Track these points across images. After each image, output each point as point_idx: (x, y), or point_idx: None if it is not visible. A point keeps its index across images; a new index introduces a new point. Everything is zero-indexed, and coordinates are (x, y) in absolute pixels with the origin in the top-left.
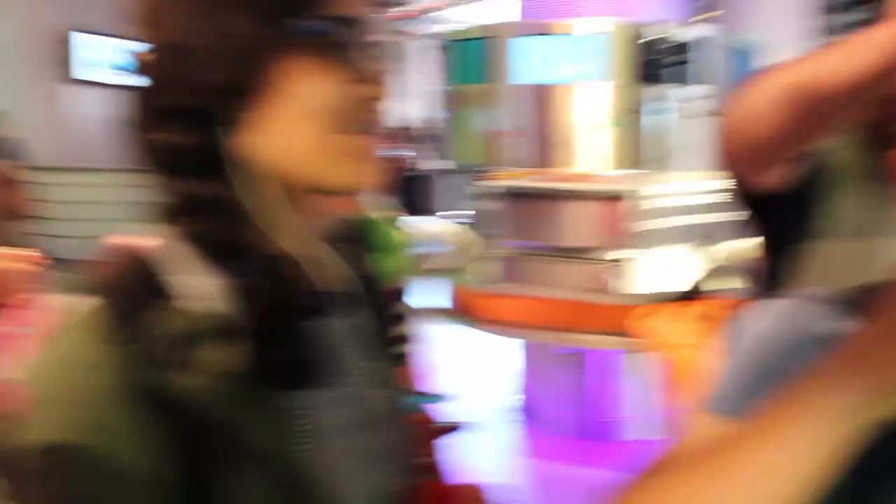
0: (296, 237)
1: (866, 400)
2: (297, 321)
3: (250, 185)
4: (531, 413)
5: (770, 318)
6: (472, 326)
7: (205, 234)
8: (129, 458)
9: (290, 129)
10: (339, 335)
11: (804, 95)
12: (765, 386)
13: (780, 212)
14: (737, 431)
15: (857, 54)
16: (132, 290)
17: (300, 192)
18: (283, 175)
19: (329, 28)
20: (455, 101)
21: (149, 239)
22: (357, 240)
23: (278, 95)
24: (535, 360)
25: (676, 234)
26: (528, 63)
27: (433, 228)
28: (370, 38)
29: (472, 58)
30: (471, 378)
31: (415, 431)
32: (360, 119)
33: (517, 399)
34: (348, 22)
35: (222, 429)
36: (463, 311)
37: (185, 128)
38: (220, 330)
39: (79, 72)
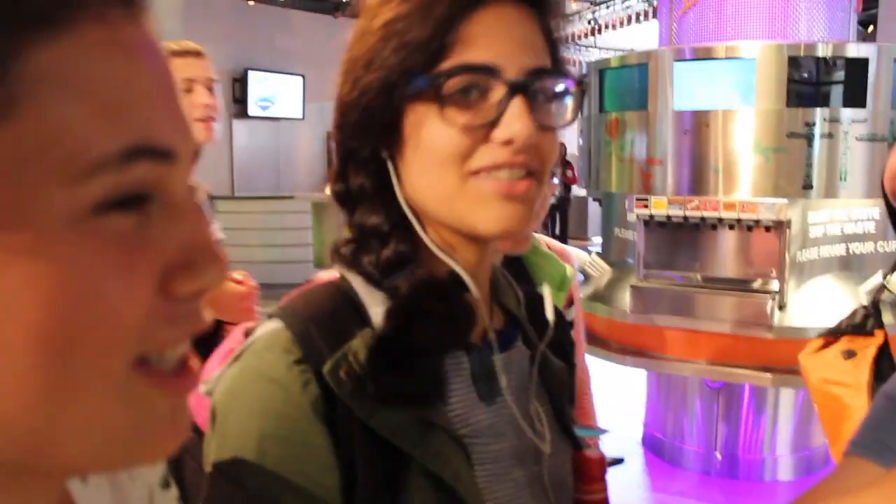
0: (461, 269)
1: None
2: (448, 345)
3: (415, 222)
4: (662, 447)
5: None
6: (603, 356)
7: (373, 263)
8: (306, 470)
9: (425, 174)
10: (500, 364)
11: None
12: None
13: None
14: (884, 478)
15: None
16: (321, 314)
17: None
18: (430, 215)
19: (447, 78)
20: (606, 128)
21: (337, 271)
22: (527, 273)
23: (413, 142)
24: (670, 392)
25: (837, 264)
26: (687, 88)
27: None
28: (507, 79)
29: (627, 84)
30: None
31: (585, 466)
32: (497, 164)
33: (648, 432)
34: (474, 69)
35: (388, 447)
36: (594, 341)
37: (356, 170)
38: (387, 351)
39: (252, 108)
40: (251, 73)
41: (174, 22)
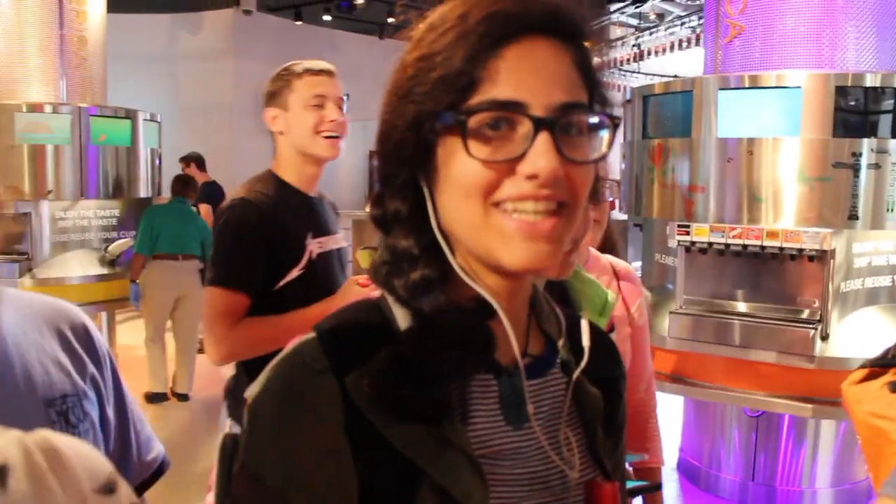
0: (489, 295)
1: None
2: (463, 370)
3: (446, 247)
4: (699, 474)
5: None
6: None
7: (403, 284)
8: (322, 475)
9: (454, 205)
10: (532, 390)
11: None
12: None
13: None
14: None
15: None
16: (353, 328)
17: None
18: (460, 243)
19: (473, 113)
20: (649, 153)
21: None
22: (569, 298)
23: (444, 173)
24: (708, 420)
25: (882, 296)
26: (731, 116)
27: None
28: (533, 115)
29: (670, 110)
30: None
31: (596, 495)
32: (522, 196)
33: (684, 458)
34: (500, 106)
35: (402, 459)
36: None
37: (392, 195)
38: (403, 370)
39: None
40: None
41: (225, 40)
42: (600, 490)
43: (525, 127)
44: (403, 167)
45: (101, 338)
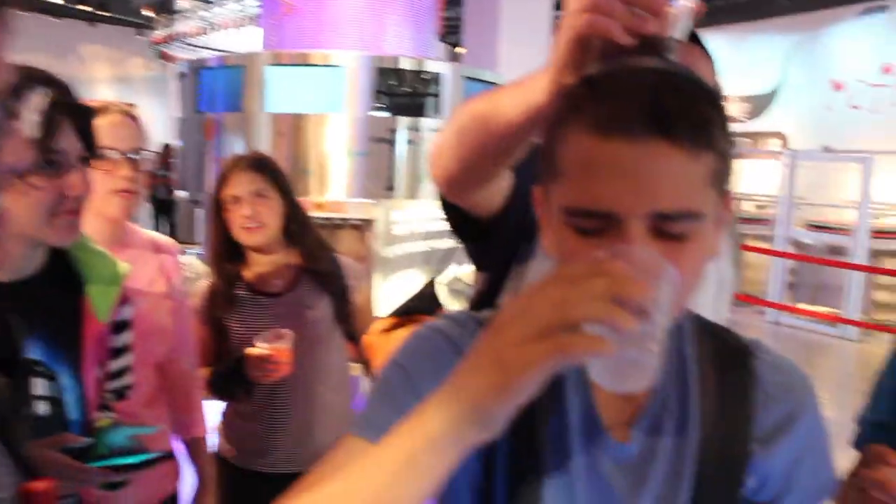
0: None
1: (463, 425)
2: None
3: None
4: None
5: (417, 339)
6: None
7: None
8: None
9: None
10: None
11: (482, 125)
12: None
13: (488, 235)
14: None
15: (527, 91)
16: None
17: None
18: None
19: None
20: (202, 128)
21: None
22: (75, 269)
23: None
24: None
25: (419, 259)
26: (282, 92)
27: None
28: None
29: (223, 85)
30: None
31: (29, 500)
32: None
33: None
34: None
35: None
36: None
37: None
38: None
39: None
40: None
41: None
42: (31, 495)
43: None
44: None
45: None
